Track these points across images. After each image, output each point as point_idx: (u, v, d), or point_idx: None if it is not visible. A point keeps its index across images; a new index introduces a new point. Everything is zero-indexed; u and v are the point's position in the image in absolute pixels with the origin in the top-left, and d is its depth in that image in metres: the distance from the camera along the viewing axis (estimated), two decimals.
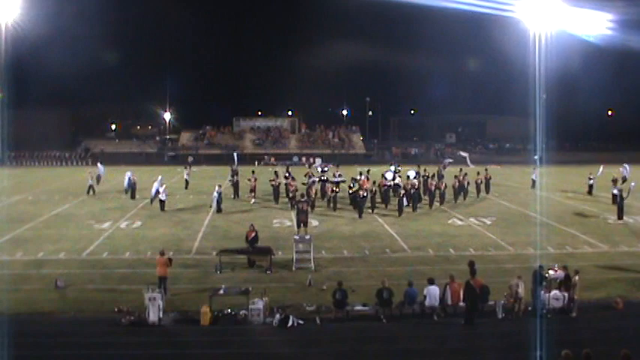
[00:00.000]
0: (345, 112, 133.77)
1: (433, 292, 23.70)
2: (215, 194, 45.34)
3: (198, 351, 20.27)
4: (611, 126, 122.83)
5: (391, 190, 48.78)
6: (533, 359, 15.23)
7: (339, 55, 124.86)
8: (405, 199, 45.42)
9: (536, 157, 60.36)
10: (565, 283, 24.50)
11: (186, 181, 58.33)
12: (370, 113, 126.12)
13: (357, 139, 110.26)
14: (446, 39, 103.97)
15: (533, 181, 57.95)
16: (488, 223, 41.81)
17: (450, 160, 65.97)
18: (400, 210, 44.34)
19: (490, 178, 54.80)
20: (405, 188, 46.70)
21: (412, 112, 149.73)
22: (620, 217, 42.68)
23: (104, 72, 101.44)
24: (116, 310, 23.59)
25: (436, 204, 48.07)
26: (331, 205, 46.78)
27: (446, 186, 49.96)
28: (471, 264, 25.19)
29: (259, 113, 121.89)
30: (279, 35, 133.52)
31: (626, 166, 57.63)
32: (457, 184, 50.51)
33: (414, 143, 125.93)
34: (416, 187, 47.59)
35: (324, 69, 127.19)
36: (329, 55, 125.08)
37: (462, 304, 23.54)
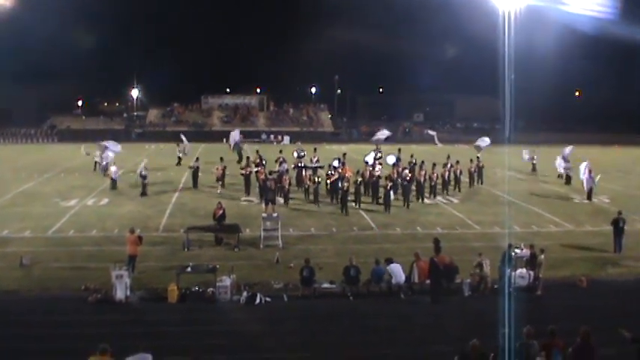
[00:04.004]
0: (313, 90, 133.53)
1: (396, 269, 23.87)
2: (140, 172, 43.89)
3: (165, 328, 20.22)
4: (579, 107, 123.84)
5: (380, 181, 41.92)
6: (499, 336, 15.37)
7: (308, 33, 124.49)
8: (392, 191, 40.06)
9: (527, 154, 59.36)
10: (531, 262, 24.81)
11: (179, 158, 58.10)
12: (339, 91, 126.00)
13: (326, 117, 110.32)
14: (414, 18, 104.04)
15: (533, 165, 58.38)
16: (456, 201, 42.10)
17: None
18: (387, 205, 38.78)
19: (483, 166, 49.90)
20: (391, 179, 40.65)
21: (380, 90, 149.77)
22: (589, 197, 43.20)
23: (71, 47, 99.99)
24: (83, 287, 23.50)
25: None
26: (310, 196, 41.27)
27: (438, 176, 44.35)
28: (436, 241, 25.40)
29: (227, 90, 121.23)
30: (248, 13, 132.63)
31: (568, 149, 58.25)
32: (448, 173, 45.47)
33: (382, 122, 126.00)
34: (408, 178, 41.38)
35: (292, 47, 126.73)
36: (298, 33, 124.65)
37: (428, 281, 23.74)
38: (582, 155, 51.49)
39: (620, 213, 30.73)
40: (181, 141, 58.76)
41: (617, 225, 30.21)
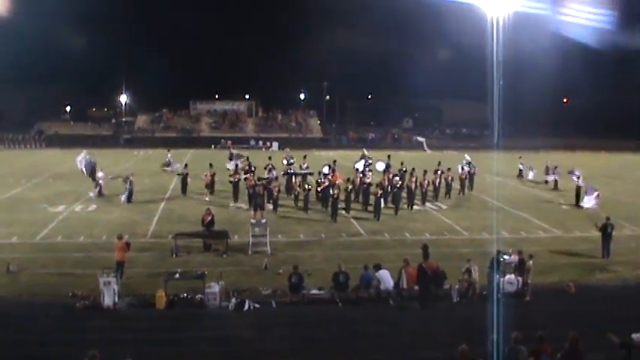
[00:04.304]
0: (302, 96, 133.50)
1: (384, 275, 23.89)
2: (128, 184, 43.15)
3: (153, 335, 20.11)
4: (567, 113, 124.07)
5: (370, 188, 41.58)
6: (487, 342, 15.41)
7: (297, 39, 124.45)
8: (382, 199, 39.60)
9: (521, 161, 59.46)
10: (519, 268, 24.87)
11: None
12: (327, 97, 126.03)
13: (315, 123, 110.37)
14: (403, 24, 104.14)
15: (520, 171, 58.52)
16: (444, 207, 42.15)
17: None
18: (377, 212, 38.29)
19: (474, 173, 49.38)
20: (381, 186, 40.36)
21: (369, 96, 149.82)
22: (577, 203, 43.34)
23: (59, 52, 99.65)
24: (70, 294, 23.38)
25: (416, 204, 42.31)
26: (300, 203, 40.84)
27: (429, 183, 43.89)
28: (424, 247, 25.43)
29: (216, 96, 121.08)
30: (236, 18, 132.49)
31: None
32: (438, 180, 45.02)
33: (371, 128, 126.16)
34: (399, 185, 40.91)
35: (281, 53, 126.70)
36: (287, 39, 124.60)
37: (417, 287, 23.74)
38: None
39: (608, 218, 30.85)
40: (168, 163, 57.46)
41: (606, 230, 30.34)
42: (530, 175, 56.78)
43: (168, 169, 53.82)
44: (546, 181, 53.02)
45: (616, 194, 48.79)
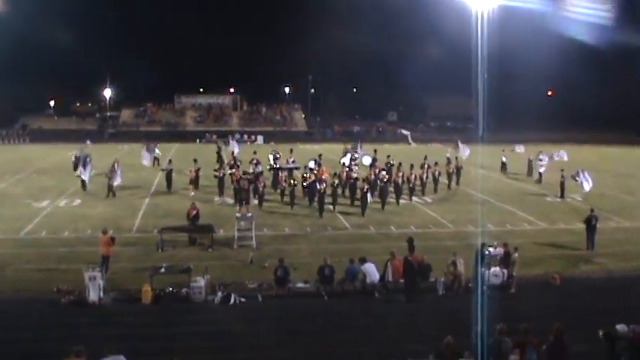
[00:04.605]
0: (287, 90, 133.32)
1: (370, 268, 23.93)
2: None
3: (139, 330, 20.08)
4: (551, 106, 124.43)
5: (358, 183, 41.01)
6: (473, 334, 15.46)
7: (281, 32, 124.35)
8: (369, 194, 38.82)
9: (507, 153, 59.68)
10: (504, 260, 24.97)
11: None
12: (312, 91, 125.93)
13: (299, 116, 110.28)
14: (388, 17, 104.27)
15: (503, 164, 58.69)
16: (429, 201, 42.22)
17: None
18: (364, 207, 37.88)
19: (461, 167, 49.11)
20: (368, 180, 40.11)
21: (354, 90, 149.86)
22: (562, 195, 43.55)
23: (43, 47, 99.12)
24: (55, 289, 23.29)
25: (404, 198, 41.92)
26: (286, 198, 40.22)
27: (416, 177, 43.17)
28: (410, 240, 25.55)
29: (201, 90, 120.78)
30: (221, 12, 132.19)
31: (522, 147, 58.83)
32: (425, 174, 44.54)
33: (356, 121, 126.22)
34: (385, 180, 40.57)
35: (266, 46, 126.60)
36: (271, 32, 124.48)
37: (402, 280, 23.80)
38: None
39: (592, 211, 31.03)
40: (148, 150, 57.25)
41: (590, 223, 30.51)
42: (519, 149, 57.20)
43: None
44: (529, 174, 53.39)
45: (600, 187, 48.95)
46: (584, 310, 21.29)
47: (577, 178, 43.55)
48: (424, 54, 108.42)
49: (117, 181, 42.61)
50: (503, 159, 58.58)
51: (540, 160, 52.90)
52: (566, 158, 53.66)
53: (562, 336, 15.02)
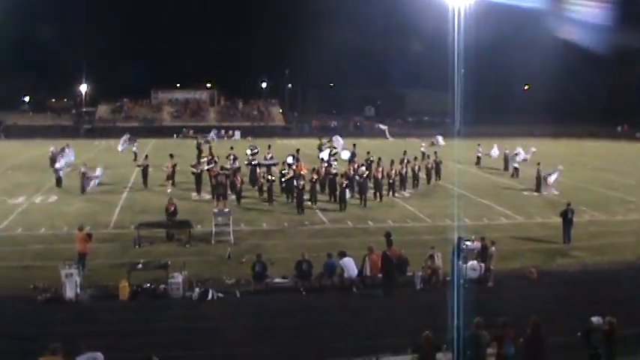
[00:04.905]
0: (264, 85, 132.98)
1: (348, 263, 23.93)
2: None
3: (117, 327, 20.01)
4: (527, 100, 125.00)
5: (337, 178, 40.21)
6: (450, 328, 15.55)
7: (258, 26, 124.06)
8: (347, 190, 38.74)
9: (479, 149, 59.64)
10: (482, 254, 25.09)
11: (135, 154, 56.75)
12: (289, 86, 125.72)
13: (276, 111, 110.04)
14: (365, 12, 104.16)
15: (479, 158, 58.95)
16: (407, 195, 42.30)
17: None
18: (343, 203, 37.66)
19: (441, 162, 48.59)
20: (347, 176, 39.91)
21: (331, 85, 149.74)
22: (537, 189, 43.80)
23: (16, 41, 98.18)
24: (32, 287, 23.09)
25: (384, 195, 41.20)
26: (264, 194, 39.70)
27: (396, 173, 42.83)
28: (387, 235, 25.61)
29: (177, 85, 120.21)
30: (197, 6, 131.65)
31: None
32: (405, 169, 43.83)
33: (334, 116, 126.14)
34: (365, 175, 40.04)
35: (243, 41, 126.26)
36: (248, 27, 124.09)
37: (380, 275, 23.85)
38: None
39: (568, 204, 31.24)
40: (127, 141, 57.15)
41: (566, 216, 30.72)
42: (494, 153, 57.28)
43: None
44: (506, 168, 53.55)
45: (576, 180, 49.36)
46: (561, 303, 21.43)
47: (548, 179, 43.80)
48: (401, 49, 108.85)
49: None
50: (479, 154, 58.81)
51: (516, 154, 53.12)
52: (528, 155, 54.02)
53: (539, 329, 15.14)
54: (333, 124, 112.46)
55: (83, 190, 41.63)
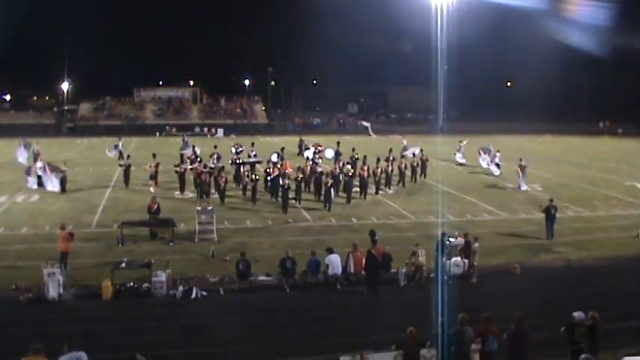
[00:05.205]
0: (247, 82, 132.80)
1: (334, 260, 23.97)
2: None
3: (100, 326, 19.92)
4: (510, 97, 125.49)
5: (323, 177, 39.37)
6: (435, 324, 15.61)
7: (241, 24, 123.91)
8: (332, 189, 38.03)
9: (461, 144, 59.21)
10: (465, 250, 25.16)
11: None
12: (273, 83, 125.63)
13: (260, 109, 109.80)
14: (348, 9, 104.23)
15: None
16: (390, 192, 42.30)
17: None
18: (328, 203, 36.95)
19: (427, 159, 48.18)
20: (332, 175, 39.40)
21: (314, 82, 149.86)
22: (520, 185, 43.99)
23: None
24: (14, 287, 22.99)
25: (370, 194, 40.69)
26: (248, 194, 38.95)
27: (382, 171, 42.08)
28: (372, 233, 25.63)
29: (160, 83, 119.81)
30: (180, 3, 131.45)
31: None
32: (390, 167, 43.21)
33: (317, 113, 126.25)
34: (350, 174, 39.55)
35: (226, 38, 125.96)
36: (231, 24, 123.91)
37: (364, 272, 23.87)
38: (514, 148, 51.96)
39: (551, 200, 31.39)
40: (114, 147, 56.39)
41: (549, 212, 30.85)
42: (458, 157, 56.82)
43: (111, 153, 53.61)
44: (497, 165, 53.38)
45: (560, 177, 49.63)
46: (544, 299, 21.51)
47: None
48: (384, 46, 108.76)
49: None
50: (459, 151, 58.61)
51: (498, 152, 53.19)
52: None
53: (523, 324, 15.24)
54: (316, 121, 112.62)
55: (63, 186, 41.25)
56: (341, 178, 40.16)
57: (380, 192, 41.60)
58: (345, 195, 39.12)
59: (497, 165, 49.61)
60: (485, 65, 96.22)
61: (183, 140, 57.51)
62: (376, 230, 26.58)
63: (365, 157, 43.60)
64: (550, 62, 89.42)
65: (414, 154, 49.52)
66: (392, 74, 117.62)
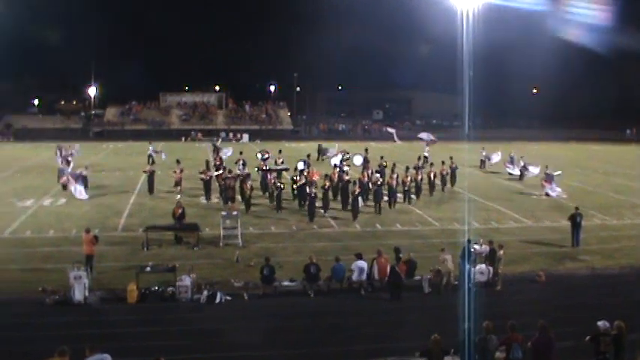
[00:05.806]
0: (272, 88, 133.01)
1: (361, 266, 23.94)
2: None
3: (125, 329, 20.04)
4: (536, 104, 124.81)
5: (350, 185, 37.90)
6: (459, 332, 15.55)
7: (267, 30, 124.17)
8: (360, 198, 36.89)
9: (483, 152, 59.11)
10: (490, 258, 25.04)
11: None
12: (298, 89, 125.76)
13: (285, 114, 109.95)
14: (374, 15, 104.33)
15: (482, 162, 58.54)
16: (415, 198, 42.10)
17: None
18: (355, 212, 35.64)
19: (456, 167, 46.64)
20: (360, 183, 37.77)
21: (339, 88, 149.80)
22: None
23: (27, 44, 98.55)
24: (40, 289, 23.11)
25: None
26: (274, 202, 37.89)
27: (411, 179, 40.89)
28: (397, 250, 25.54)
29: (186, 88, 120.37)
30: (207, 10, 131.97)
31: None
32: (420, 176, 41.99)
33: (342, 119, 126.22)
34: (379, 183, 38.03)
35: (251, 44, 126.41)
36: (257, 31, 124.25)
37: (387, 279, 23.83)
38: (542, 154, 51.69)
39: (577, 208, 31.21)
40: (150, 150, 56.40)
41: (575, 220, 30.64)
42: (494, 159, 56.85)
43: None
44: (510, 174, 52.88)
45: (585, 184, 49.27)
46: (569, 307, 21.37)
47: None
48: (410, 52, 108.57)
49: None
50: (483, 157, 58.43)
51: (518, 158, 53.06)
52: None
53: (547, 332, 15.15)
54: (341, 127, 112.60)
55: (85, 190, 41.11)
56: (370, 186, 38.92)
57: (411, 201, 40.37)
58: (374, 204, 37.76)
59: (525, 168, 49.52)
60: (510, 71, 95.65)
61: (215, 145, 57.48)
62: (400, 235, 26.50)
63: (394, 165, 43.25)
64: (576, 69, 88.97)
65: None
66: (417, 80, 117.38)
